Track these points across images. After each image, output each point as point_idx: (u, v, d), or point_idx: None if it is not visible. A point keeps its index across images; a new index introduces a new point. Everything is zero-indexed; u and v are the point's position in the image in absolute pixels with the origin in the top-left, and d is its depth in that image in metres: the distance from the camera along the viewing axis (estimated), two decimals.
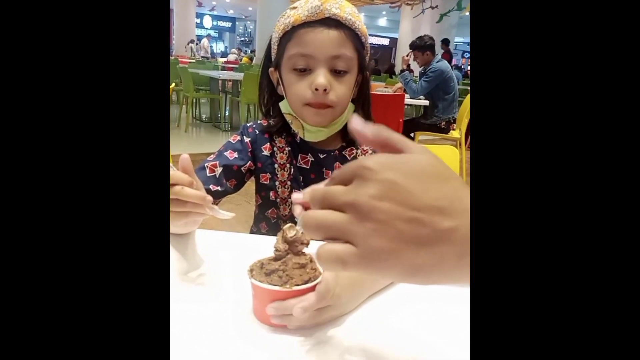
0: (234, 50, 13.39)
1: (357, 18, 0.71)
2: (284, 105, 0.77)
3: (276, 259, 0.45)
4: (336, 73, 0.70)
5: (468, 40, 23.24)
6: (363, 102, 0.79)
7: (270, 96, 0.81)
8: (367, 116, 0.79)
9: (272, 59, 0.77)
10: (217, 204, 0.77)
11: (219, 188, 0.75)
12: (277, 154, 0.80)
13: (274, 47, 0.75)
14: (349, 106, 0.76)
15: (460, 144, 3.36)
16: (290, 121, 0.77)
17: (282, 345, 0.42)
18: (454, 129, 3.48)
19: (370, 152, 0.81)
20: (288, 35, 0.71)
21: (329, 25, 0.68)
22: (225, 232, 0.66)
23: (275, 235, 0.48)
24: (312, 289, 0.44)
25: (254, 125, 0.82)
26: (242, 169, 0.78)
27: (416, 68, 3.91)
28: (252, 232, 0.86)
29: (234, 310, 0.47)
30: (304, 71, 0.70)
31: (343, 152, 0.81)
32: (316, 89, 0.68)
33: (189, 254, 0.59)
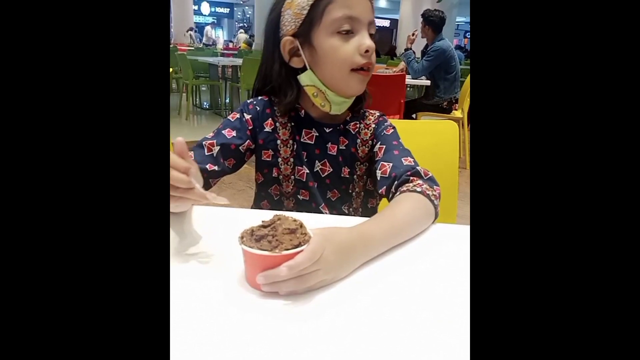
0: (241, 30, 13.07)
1: None
2: (307, 77, 0.73)
3: (265, 225, 0.45)
4: (371, 37, 0.71)
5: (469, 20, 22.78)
6: None
7: (282, 71, 0.76)
8: None
9: (286, 29, 0.73)
10: (215, 184, 0.76)
11: (216, 167, 0.74)
12: (279, 129, 0.78)
13: (302, 12, 0.71)
14: None
15: (462, 124, 3.34)
16: (313, 94, 0.74)
17: (274, 310, 0.42)
18: (456, 109, 3.44)
19: (373, 123, 0.80)
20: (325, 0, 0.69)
21: None
22: (223, 208, 0.66)
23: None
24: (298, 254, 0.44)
25: (255, 102, 0.80)
26: (240, 148, 0.76)
27: (418, 48, 3.85)
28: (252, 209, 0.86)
29: (225, 278, 0.48)
30: (348, 35, 0.70)
31: (347, 127, 0.80)
32: (366, 51, 0.69)
33: (186, 231, 0.59)
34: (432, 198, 0.64)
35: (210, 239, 0.58)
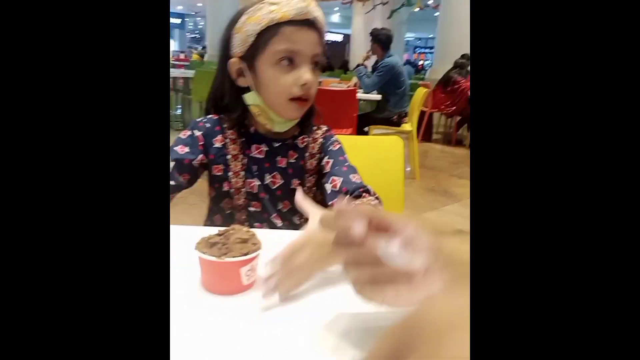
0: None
1: (324, 22, 0.76)
2: (251, 97, 0.77)
3: (220, 234, 0.49)
4: (314, 68, 0.75)
5: (419, 35, 23.87)
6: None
7: (230, 88, 0.79)
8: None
9: (235, 51, 0.76)
10: (171, 199, 0.77)
11: (172, 183, 0.75)
12: (229, 145, 0.80)
13: (248, 39, 0.74)
14: None
15: (412, 137, 3.48)
16: (257, 113, 0.78)
17: (224, 311, 0.45)
18: (405, 122, 3.58)
19: (320, 138, 0.84)
20: (272, 30, 0.72)
21: (309, 26, 0.73)
22: (179, 226, 0.66)
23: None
24: (246, 262, 0.47)
25: (205, 120, 0.82)
26: (193, 163, 0.78)
27: (370, 64, 3.99)
28: (205, 225, 0.87)
29: (183, 282, 0.51)
30: (289, 66, 0.73)
31: (295, 141, 0.83)
32: (304, 84, 0.73)
33: None
34: None
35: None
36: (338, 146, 0.84)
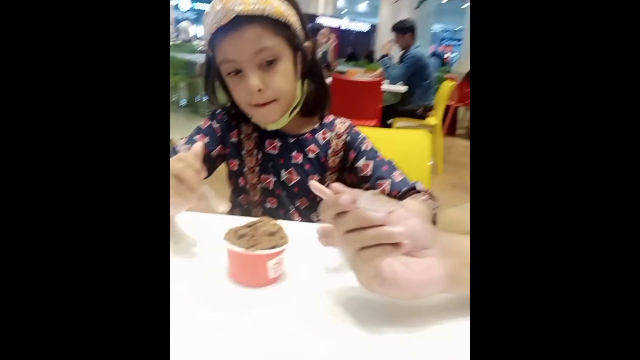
0: None
1: (266, 3, 0.67)
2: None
3: (249, 225, 0.49)
4: (267, 65, 0.70)
5: (446, 27, 23.37)
6: (313, 75, 0.78)
7: (225, 89, 0.79)
8: (320, 88, 0.79)
9: None
10: None
11: None
12: (244, 140, 0.80)
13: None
14: (299, 84, 0.76)
15: (437, 131, 3.42)
16: (249, 115, 0.77)
17: (248, 304, 0.46)
18: (430, 116, 3.53)
19: (345, 134, 0.81)
20: (212, 43, 0.71)
21: (239, 24, 0.66)
22: (207, 214, 0.68)
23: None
24: (273, 255, 0.47)
25: (223, 112, 0.83)
26: (212, 153, 0.79)
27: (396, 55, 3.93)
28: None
29: (210, 272, 0.51)
30: (237, 74, 0.71)
31: (315, 135, 0.81)
32: (253, 91, 0.69)
33: (176, 234, 0.62)
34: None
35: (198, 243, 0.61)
36: (370, 145, 0.81)
